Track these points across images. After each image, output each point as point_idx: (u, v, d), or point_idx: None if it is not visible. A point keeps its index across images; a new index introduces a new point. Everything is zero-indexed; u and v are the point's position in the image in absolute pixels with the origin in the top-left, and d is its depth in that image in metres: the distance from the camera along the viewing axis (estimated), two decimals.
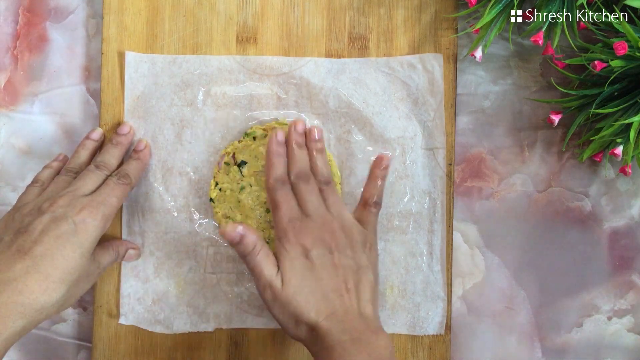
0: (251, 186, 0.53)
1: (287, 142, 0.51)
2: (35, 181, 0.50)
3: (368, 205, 0.50)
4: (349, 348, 0.43)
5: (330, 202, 0.50)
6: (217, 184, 0.53)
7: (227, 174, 0.53)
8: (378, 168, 0.51)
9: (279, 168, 0.50)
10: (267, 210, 0.53)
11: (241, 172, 0.53)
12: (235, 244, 0.46)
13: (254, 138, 0.53)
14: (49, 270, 0.43)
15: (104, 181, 0.49)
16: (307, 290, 0.45)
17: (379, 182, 0.50)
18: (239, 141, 0.53)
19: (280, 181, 0.50)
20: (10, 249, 0.44)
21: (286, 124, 0.53)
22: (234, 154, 0.53)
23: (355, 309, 0.45)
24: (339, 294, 0.45)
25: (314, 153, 0.51)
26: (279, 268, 0.46)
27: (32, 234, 0.44)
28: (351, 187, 0.54)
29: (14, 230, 0.45)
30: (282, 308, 0.45)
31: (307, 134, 0.51)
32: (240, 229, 0.46)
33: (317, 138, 0.51)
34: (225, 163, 0.53)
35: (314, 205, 0.49)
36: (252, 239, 0.46)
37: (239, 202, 0.53)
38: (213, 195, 0.53)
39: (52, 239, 0.44)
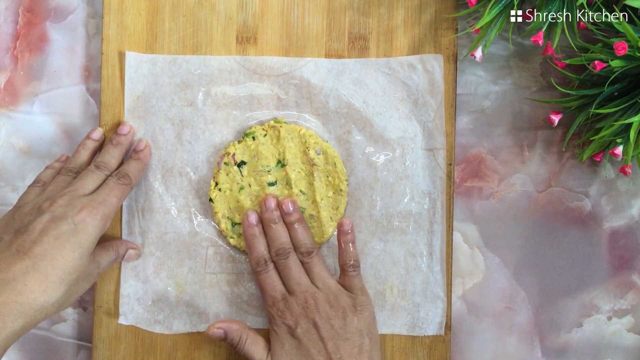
0: (250, 186, 0.53)
1: (262, 221, 0.52)
2: (36, 181, 0.50)
3: (346, 270, 0.51)
4: None
5: (314, 274, 0.50)
6: (217, 184, 0.53)
7: (227, 174, 0.53)
8: (343, 235, 0.51)
9: (257, 250, 0.51)
10: None
11: (241, 172, 0.53)
12: (223, 340, 0.49)
13: (254, 138, 0.53)
14: (48, 270, 0.43)
15: (104, 181, 0.49)
16: None
17: (349, 247, 0.51)
18: (238, 141, 0.53)
19: (261, 263, 0.50)
20: (9, 248, 0.44)
21: (285, 123, 0.53)
22: (233, 154, 0.53)
23: None
24: None
25: (292, 226, 0.51)
26: (269, 351, 0.49)
27: (32, 233, 0.44)
28: (351, 188, 0.54)
29: (14, 229, 0.45)
30: None
31: (280, 207, 0.52)
32: (223, 325, 0.49)
33: (290, 210, 0.51)
34: (224, 163, 0.53)
35: (296, 281, 0.50)
36: (236, 332, 0.49)
37: (238, 202, 0.53)
38: (213, 195, 0.53)
39: (52, 238, 0.44)
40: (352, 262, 0.51)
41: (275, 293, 0.50)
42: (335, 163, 0.53)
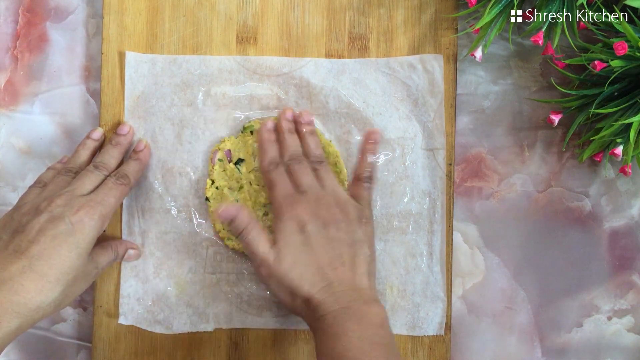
0: (251, 184, 0.53)
1: (277, 130, 0.52)
2: (37, 182, 0.50)
3: (361, 180, 0.51)
4: (338, 316, 0.44)
5: (324, 180, 0.50)
6: (213, 182, 0.53)
7: (224, 171, 0.53)
8: (367, 142, 0.52)
9: (271, 152, 0.51)
10: (265, 213, 0.53)
11: (239, 170, 0.53)
12: (229, 223, 0.48)
13: (252, 132, 0.53)
14: (44, 270, 0.43)
15: (103, 181, 0.49)
16: (301, 265, 0.46)
17: (370, 157, 0.52)
18: (236, 136, 0.53)
19: (274, 163, 0.50)
20: (7, 248, 0.44)
21: None
22: (229, 150, 0.53)
23: (350, 281, 0.46)
24: (334, 267, 0.46)
25: (305, 135, 0.52)
26: (273, 244, 0.47)
27: (29, 233, 0.44)
28: None
29: (12, 229, 0.45)
30: (277, 283, 0.47)
31: (296, 119, 0.52)
32: (233, 208, 0.47)
33: (307, 121, 0.52)
34: (218, 159, 0.53)
35: (307, 183, 0.49)
36: (245, 218, 0.47)
37: (237, 201, 0.53)
38: (209, 194, 0.53)
39: (49, 238, 0.44)
40: (368, 173, 0.51)
41: (286, 189, 0.49)
42: (336, 163, 0.53)
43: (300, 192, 0.49)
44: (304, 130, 0.52)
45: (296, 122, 0.52)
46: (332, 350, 0.43)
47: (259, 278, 0.48)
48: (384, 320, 0.45)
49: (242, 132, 0.53)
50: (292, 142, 0.51)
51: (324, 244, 0.47)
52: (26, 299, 0.42)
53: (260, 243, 0.47)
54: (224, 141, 0.53)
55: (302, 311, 0.47)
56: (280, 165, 0.51)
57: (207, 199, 0.53)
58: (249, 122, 0.53)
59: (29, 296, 0.42)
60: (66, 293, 0.45)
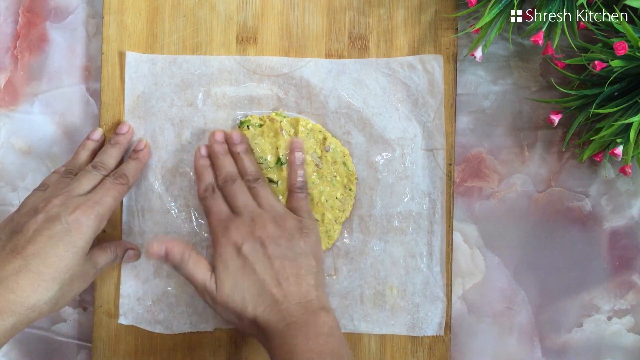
0: None
1: (210, 154, 0.52)
2: (41, 185, 0.50)
3: (294, 191, 0.51)
4: (285, 334, 0.44)
5: (260, 197, 0.50)
6: None
7: None
8: (291, 154, 0.52)
9: (206, 178, 0.51)
10: None
11: None
12: (164, 260, 0.47)
13: (248, 127, 0.53)
14: (40, 269, 0.43)
15: (101, 181, 0.49)
16: (241, 288, 0.46)
17: (298, 167, 0.51)
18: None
19: (209, 190, 0.50)
20: (4, 249, 0.44)
21: (285, 117, 0.53)
22: None
23: (295, 296, 0.46)
24: (276, 284, 0.46)
25: (239, 156, 0.52)
26: (212, 271, 0.47)
27: (26, 233, 0.44)
28: None
29: (10, 230, 0.46)
30: (222, 309, 0.47)
31: (228, 140, 0.52)
32: (163, 243, 0.47)
33: (237, 142, 0.52)
34: None
35: (242, 203, 0.49)
36: (178, 250, 0.47)
37: None
38: None
39: (45, 238, 0.44)
40: (300, 183, 0.51)
41: (221, 213, 0.49)
42: (344, 162, 0.53)
43: (235, 214, 0.49)
44: (237, 150, 0.52)
45: (229, 144, 0.52)
46: None
47: (207, 305, 0.48)
48: (333, 328, 0.45)
49: (238, 127, 0.53)
50: (224, 164, 0.51)
51: (262, 263, 0.46)
52: (21, 297, 0.42)
53: (199, 271, 0.47)
54: None
55: (253, 333, 0.47)
56: (216, 190, 0.51)
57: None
58: (246, 117, 0.53)
59: (25, 294, 0.42)
60: (63, 292, 0.45)
